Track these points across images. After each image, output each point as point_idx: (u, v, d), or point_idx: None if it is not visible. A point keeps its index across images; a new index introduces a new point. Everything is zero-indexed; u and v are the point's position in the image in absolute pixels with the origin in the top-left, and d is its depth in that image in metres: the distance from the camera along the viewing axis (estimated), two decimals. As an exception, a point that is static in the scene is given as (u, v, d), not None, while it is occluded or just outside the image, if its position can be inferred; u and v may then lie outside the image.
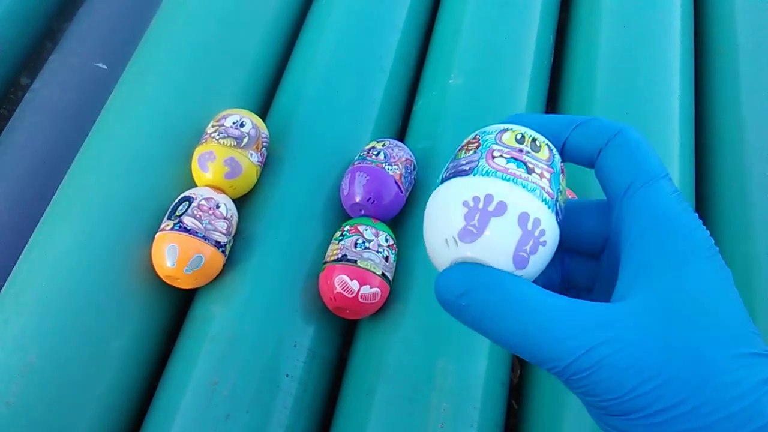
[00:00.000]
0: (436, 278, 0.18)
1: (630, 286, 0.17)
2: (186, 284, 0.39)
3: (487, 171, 0.18)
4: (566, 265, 0.22)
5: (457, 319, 0.18)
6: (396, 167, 0.41)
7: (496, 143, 0.18)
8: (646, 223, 0.17)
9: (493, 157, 0.18)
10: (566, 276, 0.22)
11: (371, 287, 0.38)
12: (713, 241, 0.17)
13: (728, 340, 0.16)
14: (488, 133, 0.19)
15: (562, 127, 0.19)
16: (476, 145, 0.19)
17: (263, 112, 0.48)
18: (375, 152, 0.42)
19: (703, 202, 0.50)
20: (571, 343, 0.16)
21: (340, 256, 0.38)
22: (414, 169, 0.43)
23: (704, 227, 0.17)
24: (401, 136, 0.50)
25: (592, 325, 0.16)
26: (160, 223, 0.39)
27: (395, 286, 0.40)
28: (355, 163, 0.42)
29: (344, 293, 0.37)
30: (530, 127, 0.19)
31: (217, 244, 0.38)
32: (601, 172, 0.19)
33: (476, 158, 0.18)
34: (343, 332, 0.42)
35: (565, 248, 0.21)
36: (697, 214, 0.18)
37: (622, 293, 0.17)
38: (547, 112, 0.53)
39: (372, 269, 0.38)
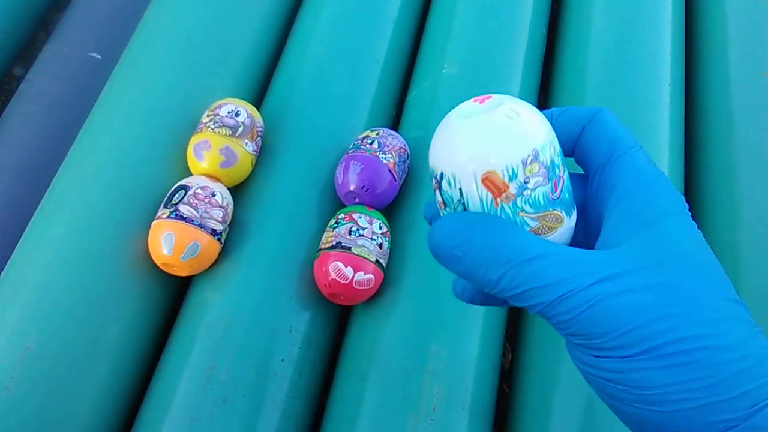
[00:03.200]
0: (431, 229, 0.19)
1: (617, 236, 0.17)
2: (182, 272, 0.39)
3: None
4: None
5: (452, 269, 0.18)
6: (390, 156, 0.42)
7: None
8: (631, 182, 0.18)
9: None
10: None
11: (365, 274, 0.38)
12: (678, 193, 0.19)
13: (717, 286, 0.17)
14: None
15: None
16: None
17: (258, 101, 0.49)
18: (369, 141, 0.42)
19: (692, 192, 0.50)
20: (571, 280, 0.16)
21: (334, 243, 0.39)
22: (407, 158, 0.44)
23: (667, 177, 0.19)
24: (395, 125, 0.50)
25: (590, 264, 0.17)
26: (157, 212, 0.40)
27: (389, 272, 0.41)
28: (350, 151, 0.42)
29: (339, 280, 0.38)
30: None
31: (213, 232, 0.39)
32: (582, 149, 0.20)
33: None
34: (337, 318, 0.43)
35: None
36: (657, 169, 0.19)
37: (608, 244, 0.18)
38: (540, 101, 0.54)
39: (366, 256, 0.38)
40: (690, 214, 0.18)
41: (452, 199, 0.18)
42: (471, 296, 0.22)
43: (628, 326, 0.16)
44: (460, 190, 0.18)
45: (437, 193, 0.19)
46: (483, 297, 0.22)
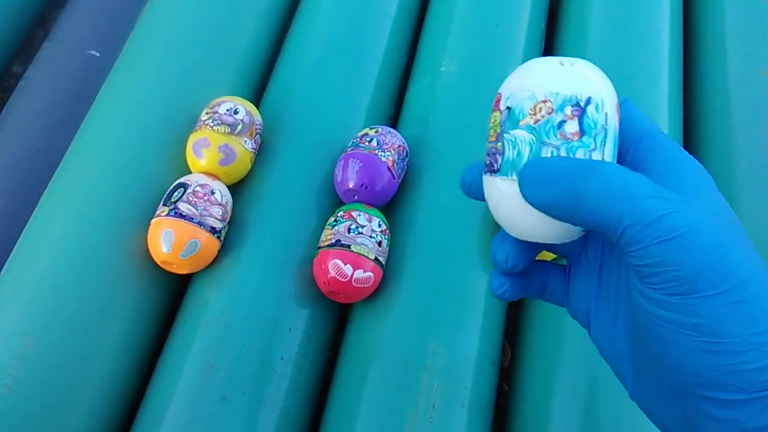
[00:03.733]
0: (524, 171, 0.19)
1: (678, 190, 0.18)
2: (182, 269, 0.39)
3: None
4: (548, 273, 0.24)
5: (547, 203, 0.19)
6: (389, 154, 0.42)
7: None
8: (671, 154, 0.19)
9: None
10: (546, 285, 0.24)
11: (364, 271, 0.38)
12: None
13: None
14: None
15: None
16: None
17: (257, 99, 0.49)
18: (368, 139, 0.42)
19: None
20: (664, 204, 0.17)
21: (333, 241, 0.39)
22: (406, 156, 0.44)
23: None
24: (394, 123, 0.50)
25: (676, 196, 0.18)
26: (156, 210, 0.40)
27: (388, 270, 0.41)
28: (348, 149, 0.42)
29: (338, 277, 0.38)
30: None
31: (213, 230, 0.39)
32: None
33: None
34: (337, 316, 0.43)
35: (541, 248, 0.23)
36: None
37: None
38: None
39: (365, 254, 0.38)
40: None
41: (596, 125, 0.19)
42: (512, 294, 0.23)
43: (706, 266, 0.17)
44: (606, 114, 0.19)
45: (572, 122, 0.19)
46: (523, 292, 0.22)
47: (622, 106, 0.20)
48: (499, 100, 0.21)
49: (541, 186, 0.19)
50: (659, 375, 0.19)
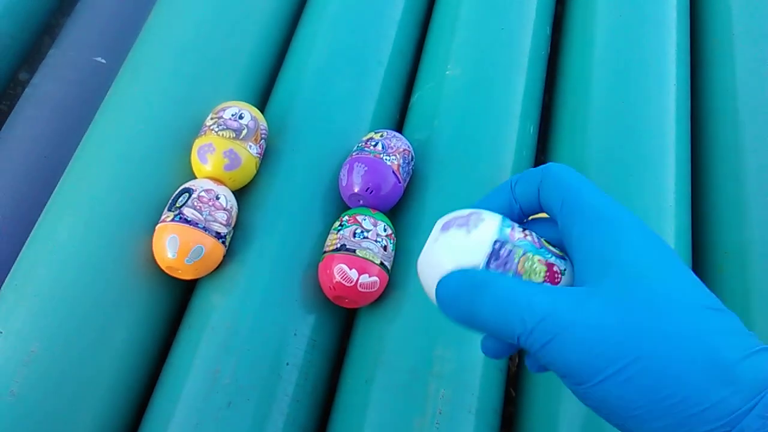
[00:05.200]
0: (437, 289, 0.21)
1: (581, 278, 0.20)
2: (187, 275, 0.39)
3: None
4: None
5: (456, 320, 0.20)
6: (394, 158, 0.42)
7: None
8: (583, 223, 0.20)
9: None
10: None
11: (370, 276, 0.38)
12: (635, 216, 0.20)
13: (684, 298, 0.18)
14: None
15: (505, 195, 0.23)
16: None
17: (262, 104, 0.49)
18: (373, 143, 0.42)
19: (699, 192, 0.50)
20: (539, 310, 0.18)
21: (339, 245, 0.39)
22: (412, 160, 0.43)
23: (621, 205, 0.20)
24: (399, 127, 0.50)
25: (561, 293, 0.19)
26: (161, 215, 0.39)
27: (394, 275, 0.40)
28: (353, 153, 0.42)
29: (343, 282, 0.38)
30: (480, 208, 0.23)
31: (218, 235, 0.39)
32: (544, 205, 0.22)
33: None
34: (342, 321, 0.42)
35: None
36: (610, 198, 0.20)
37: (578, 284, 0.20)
38: (545, 102, 0.53)
39: (371, 258, 0.38)
40: (638, 221, 0.20)
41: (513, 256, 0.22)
42: (495, 353, 0.24)
43: (596, 351, 0.17)
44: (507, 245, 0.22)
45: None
46: (508, 349, 0.23)
47: (544, 174, 0.22)
48: None
49: (446, 306, 0.20)
50: None
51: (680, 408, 0.16)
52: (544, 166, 0.22)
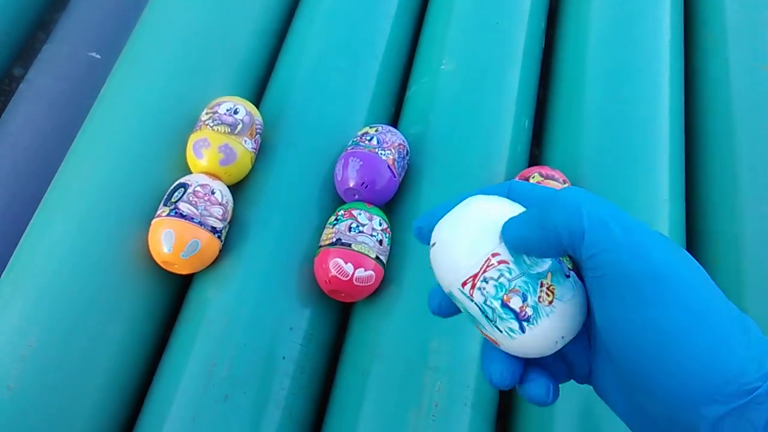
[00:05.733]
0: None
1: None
2: (183, 269, 0.39)
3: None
4: (567, 358, 0.23)
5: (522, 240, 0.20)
6: (389, 152, 0.42)
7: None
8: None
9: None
10: (569, 366, 0.23)
11: (365, 270, 0.38)
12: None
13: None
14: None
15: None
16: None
17: (257, 99, 0.49)
18: (368, 138, 0.42)
19: (694, 184, 0.50)
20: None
21: (334, 240, 0.39)
22: (407, 154, 0.43)
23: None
24: (394, 121, 0.50)
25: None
26: (156, 210, 0.40)
27: (389, 269, 0.41)
28: (349, 148, 0.42)
29: (339, 276, 0.38)
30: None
31: (213, 230, 0.39)
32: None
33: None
34: (338, 315, 0.43)
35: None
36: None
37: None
38: (540, 95, 0.54)
39: (366, 252, 0.38)
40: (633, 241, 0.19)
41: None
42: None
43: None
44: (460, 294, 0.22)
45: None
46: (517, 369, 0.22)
47: (510, 187, 0.22)
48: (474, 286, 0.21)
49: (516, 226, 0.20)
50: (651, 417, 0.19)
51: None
52: (506, 183, 0.22)
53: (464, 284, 0.20)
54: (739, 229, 0.46)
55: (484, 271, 0.20)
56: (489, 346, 0.22)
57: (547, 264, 0.20)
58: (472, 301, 0.20)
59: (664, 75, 0.50)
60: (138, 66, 0.45)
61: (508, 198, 0.22)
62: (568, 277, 0.20)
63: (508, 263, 0.20)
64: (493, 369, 0.21)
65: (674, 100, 0.50)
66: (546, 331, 0.20)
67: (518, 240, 0.20)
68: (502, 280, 0.20)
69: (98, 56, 0.52)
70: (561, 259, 0.21)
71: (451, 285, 0.21)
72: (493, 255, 0.20)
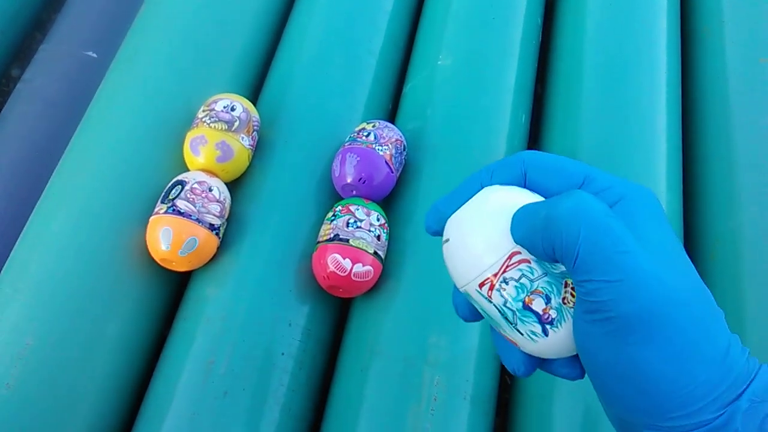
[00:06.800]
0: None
1: None
2: (181, 267, 0.39)
3: None
4: None
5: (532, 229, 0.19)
6: (386, 148, 0.42)
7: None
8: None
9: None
10: None
11: (363, 265, 0.38)
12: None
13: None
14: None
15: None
16: None
17: (254, 96, 0.49)
18: (365, 133, 0.42)
19: (691, 178, 0.50)
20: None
21: (332, 235, 0.39)
22: (404, 150, 0.43)
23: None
24: (391, 117, 0.50)
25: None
26: (154, 207, 0.40)
27: (387, 264, 0.41)
28: (346, 144, 0.42)
29: (337, 272, 0.38)
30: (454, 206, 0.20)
31: (211, 227, 0.39)
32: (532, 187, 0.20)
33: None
34: (337, 310, 0.43)
35: None
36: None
37: None
38: (537, 91, 0.54)
39: (364, 248, 0.38)
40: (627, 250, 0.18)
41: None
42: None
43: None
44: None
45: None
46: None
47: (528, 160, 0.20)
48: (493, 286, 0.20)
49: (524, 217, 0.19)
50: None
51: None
52: (521, 157, 0.20)
53: (482, 285, 0.19)
54: (736, 224, 0.46)
55: (504, 272, 0.18)
56: (501, 337, 0.21)
57: None
58: (491, 302, 0.19)
59: (661, 69, 0.50)
60: (134, 64, 0.45)
61: (524, 172, 0.20)
62: None
63: (529, 262, 0.18)
64: (515, 360, 0.21)
65: (671, 93, 0.50)
66: (571, 333, 0.19)
67: (524, 243, 0.19)
68: (523, 280, 0.18)
69: (95, 55, 0.53)
70: None
71: (467, 285, 0.19)
72: (514, 254, 0.18)
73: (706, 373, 0.17)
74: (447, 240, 0.20)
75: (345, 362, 0.40)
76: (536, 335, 0.19)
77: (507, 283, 0.18)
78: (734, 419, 0.17)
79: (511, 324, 0.19)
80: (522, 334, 0.19)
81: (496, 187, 0.20)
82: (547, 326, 0.18)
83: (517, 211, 0.19)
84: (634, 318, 0.17)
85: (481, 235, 0.19)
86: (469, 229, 0.19)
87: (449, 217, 0.20)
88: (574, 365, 0.20)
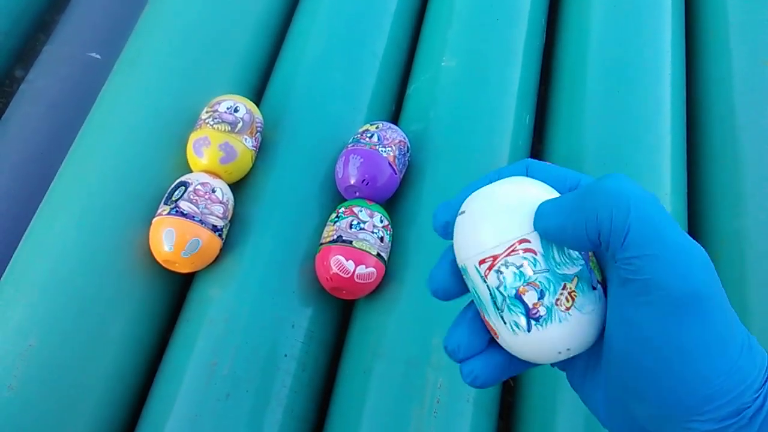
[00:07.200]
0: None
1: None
2: (184, 268, 0.39)
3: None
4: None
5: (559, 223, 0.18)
6: (389, 149, 0.42)
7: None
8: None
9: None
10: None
11: (367, 267, 0.38)
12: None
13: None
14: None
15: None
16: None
17: (257, 97, 0.49)
18: (369, 135, 0.42)
19: (696, 179, 0.50)
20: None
21: (335, 237, 0.39)
22: (407, 151, 0.43)
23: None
24: (395, 118, 0.50)
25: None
26: (157, 209, 0.39)
27: (391, 266, 0.41)
28: (349, 145, 0.42)
29: (340, 273, 0.38)
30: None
31: (214, 228, 0.39)
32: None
33: None
34: (340, 312, 0.43)
35: None
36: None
37: None
38: (540, 91, 0.53)
39: (367, 249, 0.38)
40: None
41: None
42: (486, 378, 0.20)
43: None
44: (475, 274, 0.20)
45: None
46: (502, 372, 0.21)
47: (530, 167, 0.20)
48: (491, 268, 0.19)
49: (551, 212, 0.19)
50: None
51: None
52: (525, 162, 0.21)
53: (482, 262, 0.19)
54: (741, 225, 0.45)
55: (507, 255, 0.18)
56: (467, 311, 0.20)
57: (576, 268, 0.19)
58: (485, 282, 0.19)
59: (665, 70, 0.50)
60: (138, 65, 0.45)
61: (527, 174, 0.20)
62: (594, 289, 0.19)
63: (535, 253, 0.18)
64: (455, 337, 0.20)
65: (676, 94, 0.49)
66: (553, 337, 0.18)
67: (552, 226, 0.18)
68: (523, 269, 0.18)
69: (98, 57, 0.53)
70: (592, 267, 0.19)
71: (468, 259, 0.19)
72: (522, 241, 0.18)
73: (741, 358, 0.17)
74: (462, 212, 0.20)
75: (348, 364, 0.40)
76: (519, 327, 0.18)
77: (507, 267, 0.18)
78: None
79: (498, 309, 0.19)
80: (505, 323, 0.19)
81: (524, 178, 0.20)
82: (533, 322, 0.18)
83: (545, 201, 0.19)
84: (689, 298, 0.17)
85: (498, 215, 0.19)
86: (489, 206, 0.19)
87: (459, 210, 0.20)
88: (495, 366, 0.20)
